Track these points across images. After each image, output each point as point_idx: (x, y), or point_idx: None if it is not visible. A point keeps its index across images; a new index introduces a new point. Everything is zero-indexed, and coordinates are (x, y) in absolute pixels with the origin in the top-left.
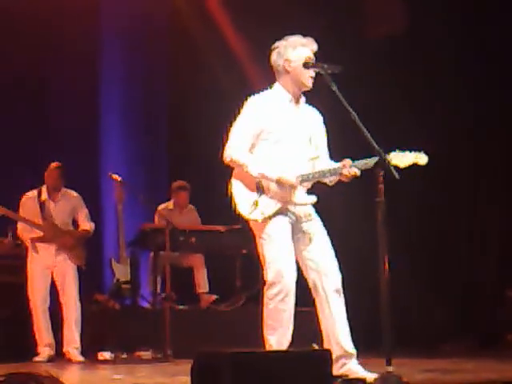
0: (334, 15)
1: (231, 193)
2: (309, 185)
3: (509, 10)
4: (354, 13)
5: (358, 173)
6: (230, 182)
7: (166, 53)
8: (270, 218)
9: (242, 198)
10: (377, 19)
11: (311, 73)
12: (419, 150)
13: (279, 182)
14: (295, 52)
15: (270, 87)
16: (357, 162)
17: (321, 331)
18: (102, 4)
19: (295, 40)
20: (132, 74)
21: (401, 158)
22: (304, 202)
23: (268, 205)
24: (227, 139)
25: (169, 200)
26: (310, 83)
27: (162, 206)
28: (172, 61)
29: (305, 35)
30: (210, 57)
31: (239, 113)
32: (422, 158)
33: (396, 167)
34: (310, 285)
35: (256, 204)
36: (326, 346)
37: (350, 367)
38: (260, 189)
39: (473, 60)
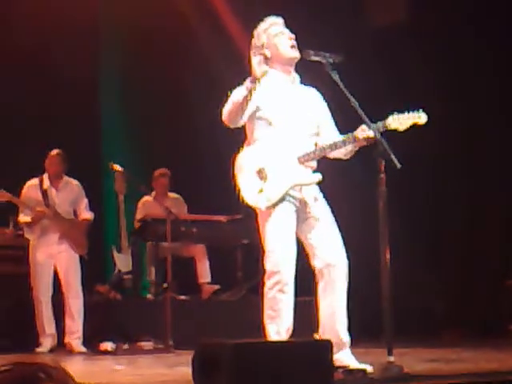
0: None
1: (236, 182)
2: (314, 164)
3: None
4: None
5: (372, 134)
6: (233, 171)
7: (166, 42)
8: (275, 205)
9: (247, 186)
10: (377, 7)
11: (288, 42)
12: (417, 110)
13: (254, 80)
14: (266, 36)
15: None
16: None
17: (317, 315)
18: None
19: (261, 26)
20: (131, 64)
21: (400, 121)
22: (309, 181)
23: (273, 191)
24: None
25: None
26: (293, 53)
27: (141, 201)
28: (172, 50)
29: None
30: (211, 47)
31: None
32: (421, 118)
33: (397, 130)
34: (316, 271)
35: (261, 191)
36: (320, 330)
37: (342, 356)
38: (263, 176)
39: (473, 47)
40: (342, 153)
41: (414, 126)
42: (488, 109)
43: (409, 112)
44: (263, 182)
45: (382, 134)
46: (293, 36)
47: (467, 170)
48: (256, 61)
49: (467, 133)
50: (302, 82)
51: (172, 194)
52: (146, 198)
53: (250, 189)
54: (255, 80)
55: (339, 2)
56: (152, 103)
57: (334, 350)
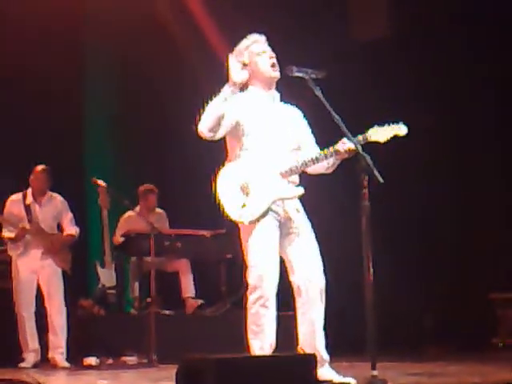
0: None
1: (217, 197)
2: (296, 179)
3: None
4: (340, 14)
5: (353, 146)
6: (214, 186)
7: (153, 54)
8: (259, 219)
9: (230, 201)
10: (363, 21)
11: (269, 61)
12: (397, 122)
13: (232, 85)
14: (246, 55)
15: (245, 89)
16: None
17: (296, 333)
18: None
19: (241, 45)
20: (116, 77)
21: (380, 133)
22: (292, 195)
23: (256, 205)
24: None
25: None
26: (273, 72)
27: (124, 216)
28: (157, 63)
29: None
30: (194, 59)
31: None
32: (401, 129)
33: (378, 142)
34: (294, 287)
35: (244, 206)
36: (300, 348)
37: (323, 372)
38: (246, 190)
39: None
40: (324, 167)
41: (395, 138)
42: (477, 120)
43: (389, 124)
44: (246, 197)
45: (363, 146)
46: (274, 55)
47: (456, 182)
48: (235, 67)
49: (457, 144)
50: (282, 100)
51: (156, 209)
52: (129, 213)
53: (233, 204)
54: (234, 85)
55: (326, 17)
56: (137, 117)
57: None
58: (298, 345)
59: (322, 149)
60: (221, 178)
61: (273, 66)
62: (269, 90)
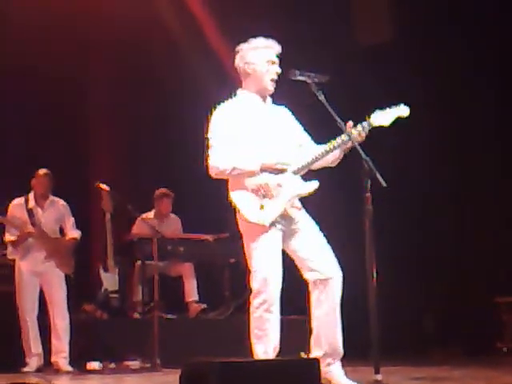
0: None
1: (233, 203)
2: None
3: None
4: (342, 18)
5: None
6: (228, 191)
7: (154, 61)
8: (278, 219)
9: (246, 205)
10: (365, 23)
11: (273, 75)
12: (398, 104)
13: (263, 169)
14: (256, 54)
15: (234, 95)
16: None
17: (310, 326)
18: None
19: (257, 42)
20: (120, 81)
21: (383, 117)
22: (308, 191)
23: (275, 205)
24: (208, 154)
25: (150, 210)
26: (271, 87)
27: (142, 217)
28: (159, 68)
29: (270, 37)
30: (197, 64)
31: (209, 122)
32: (403, 110)
33: (382, 127)
34: (310, 282)
35: (262, 208)
36: (314, 340)
37: (333, 370)
38: (261, 192)
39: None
40: (329, 160)
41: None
42: (478, 121)
43: (390, 107)
44: (262, 199)
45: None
46: (279, 71)
47: (456, 182)
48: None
49: (457, 144)
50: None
51: (171, 215)
52: (144, 215)
53: (250, 207)
54: (271, 169)
55: (329, 20)
56: (138, 119)
57: (328, 360)
58: (308, 345)
59: (325, 143)
60: (232, 184)
61: (272, 80)
62: (262, 96)
